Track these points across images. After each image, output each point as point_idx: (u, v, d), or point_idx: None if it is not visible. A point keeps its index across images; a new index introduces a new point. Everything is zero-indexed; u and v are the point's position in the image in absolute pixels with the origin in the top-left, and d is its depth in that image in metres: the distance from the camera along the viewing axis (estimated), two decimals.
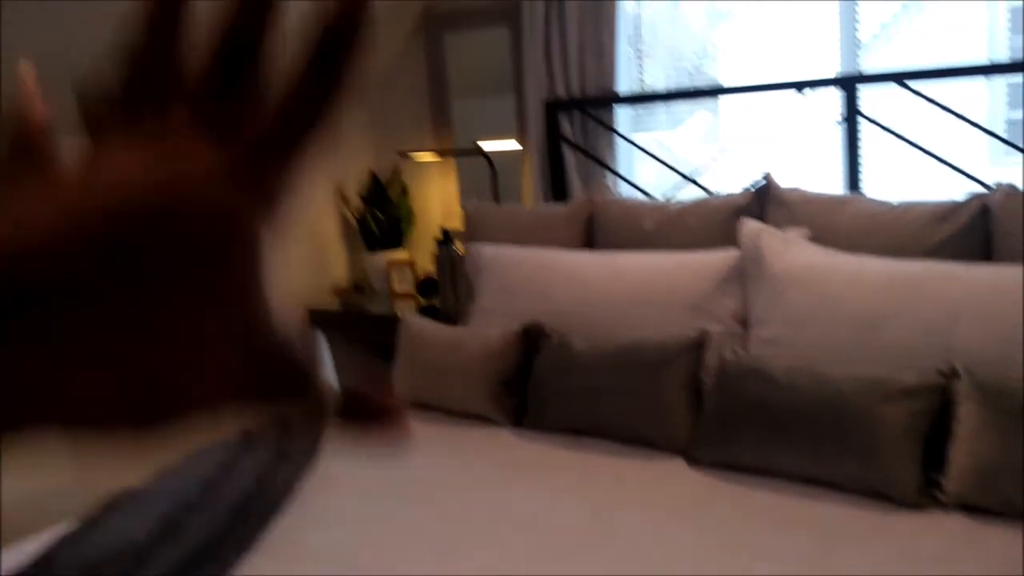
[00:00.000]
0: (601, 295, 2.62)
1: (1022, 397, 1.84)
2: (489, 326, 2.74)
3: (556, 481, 2.17)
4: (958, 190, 2.41)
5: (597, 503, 2.02)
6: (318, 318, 3.65)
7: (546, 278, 2.75)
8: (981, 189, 2.40)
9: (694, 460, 2.20)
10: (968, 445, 1.87)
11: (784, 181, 2.66)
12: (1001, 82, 2.77)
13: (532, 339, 2.62)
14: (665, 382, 2.31)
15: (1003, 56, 2.75)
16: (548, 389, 2.49)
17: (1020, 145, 2.56)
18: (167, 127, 0.27)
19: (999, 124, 2.76)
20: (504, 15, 3.38)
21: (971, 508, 1.85)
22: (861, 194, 2.69)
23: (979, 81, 2.75)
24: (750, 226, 2.48)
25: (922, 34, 2.80)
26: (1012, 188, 2.30)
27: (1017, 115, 2.78)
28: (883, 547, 1.74)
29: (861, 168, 2.79)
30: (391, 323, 3.04)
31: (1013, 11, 2.74)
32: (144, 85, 0.28)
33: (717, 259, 2.52)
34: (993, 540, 1.73)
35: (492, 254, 2.91)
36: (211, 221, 0.27)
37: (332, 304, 3.66)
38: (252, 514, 2.30)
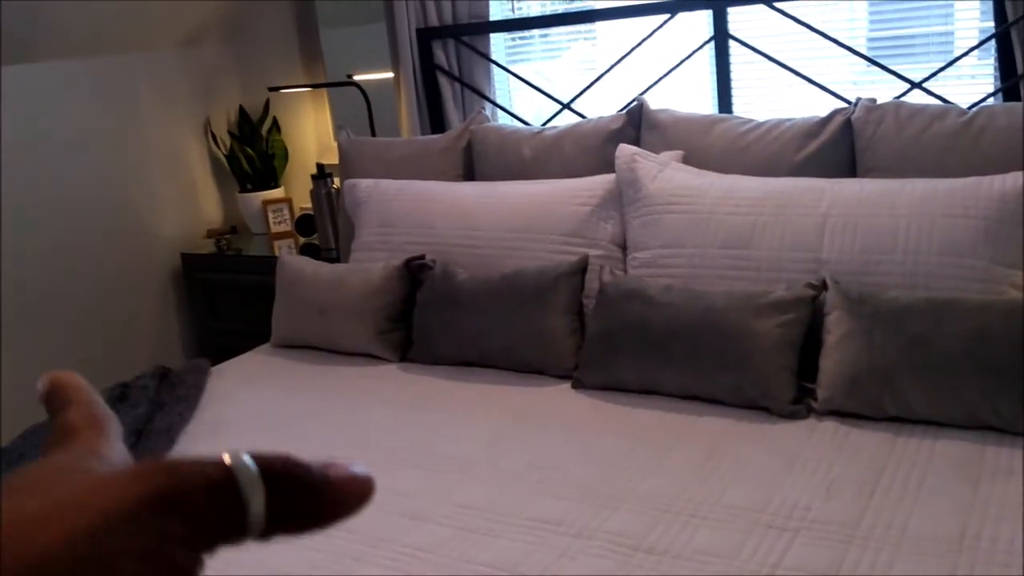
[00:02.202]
0: (482, 225, 2.60)
1: (885, 304, 1.92)
2: (370, 262, 2.69)
3: (444, 413, 2.17)
4: (824, 107, 2.48)
5: (486, 433, 2.03)
6: (193, 262, 3.52)
7: (426, 210, 2.71)
8: (844, 105, 2.47)
9: (580, 384, 2.23)
10: (836, 353, 1.95)
11: (659, 104, 2.68)
12: (862, 2, 2.84)
13: (415, 272, 2.59)
14: (548, 308, 2.32)
15: None
16: (433, 322, 2.47)
17: (881, 62, 2.64)
18: None
19: (861, 42, 2.83)
20: None
21: (842, 414, 1.93)
22: (731, 114, 2.74)
23: (842, 1, 2.81)
24: (625, 150, 2.49)
25: None
26: (872, 103, 2.37)
27: (877, 33, 2.85)
28: (763, 457, 1.80)
29: (732, 89, 2.83)
30: (270, 264, 2.96)
31: None
32: None
33: (594, 185, 2.53)
34: (862, 442, 1.82)
35: (370, 188, 2.85)
36: None
37: (206, 247, 3.53)
38: None
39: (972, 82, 2.67)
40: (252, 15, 3.64)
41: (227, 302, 3.47)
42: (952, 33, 2.76)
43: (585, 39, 3.33)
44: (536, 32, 3.33)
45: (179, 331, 3.61)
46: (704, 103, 2.94)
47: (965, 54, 2.57)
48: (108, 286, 3.35)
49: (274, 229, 3.52)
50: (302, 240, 3.46)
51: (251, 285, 3.31)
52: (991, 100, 2.48)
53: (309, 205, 3.40)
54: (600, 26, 3.23)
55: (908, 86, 2.58)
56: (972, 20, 2.69)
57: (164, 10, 3.35)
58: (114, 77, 3.34)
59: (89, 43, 3.20)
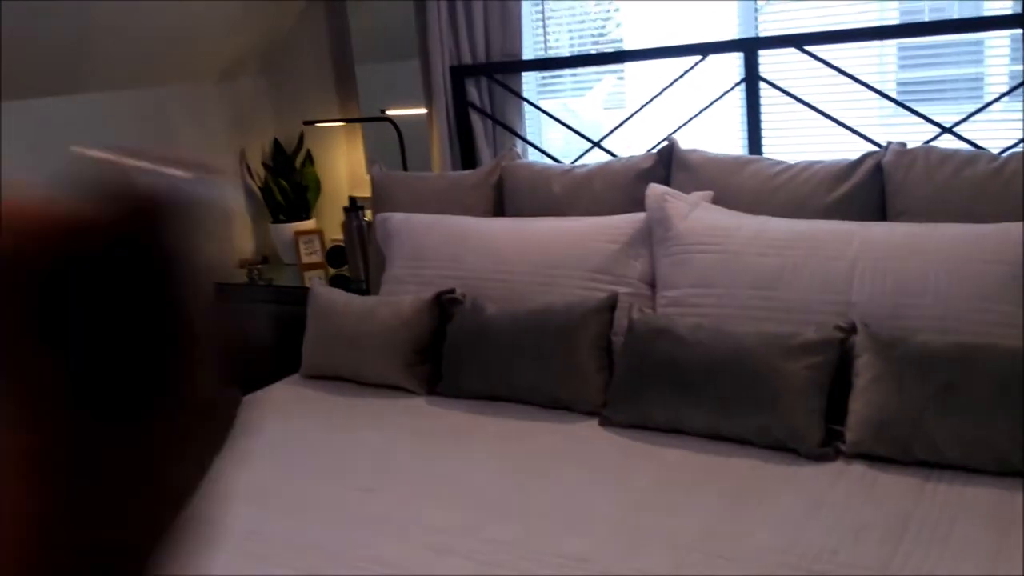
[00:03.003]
0: (512, 261, 2.63)
1: (915, 348, 1.93)
2: (400, 294, 2.73)
3: (472, 448, 2.18)
4: (854, 150, 2.49)
5: (513, 468, 2.04)
6: (224, 291, 3.57)
7: (456, 245, 2.74)
8: (875, 148, 2.48)
9: (607, 421, 2.24)
10: (866, 396, 1.95)
11: (687, 144, 2.70)
12: (892, 44, 2.86)
13: (444, 306, 2.62)
14: (576, 345, 2.33)
15: (893, 19, 2.84)
16: (461, 356, 2.49)
17: (910, 105, 2.66)
18: None
19: (890, 85, 2.85)
20: None
21: (870, 457, 1.93)
22: (761, 156, 2.76)
23: (871, 44, 2.84)
24: (655, 190, 2.51)
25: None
26: (902, 146, 2.39)
27: (906, 76, 2.87)
28: (790, 499, 1.80)
29: (762, 130, 2.85)
30: (300, 294, 3.00)
31: None
32: None
33: (624, 223, 2.55)
34: (891, 486, 1.82)
35: (401, 222, 2.89)
36: None
37: (238, 276, 3.58)
38: None
39: (1002, 126, 2.68)
40: (288, 50, 3.71)
41: (257, 331, 3.51)
42: (982, 76, 2.77)
43: (613, 74, 3.38)
44: (566, 68, 3.38)
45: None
46: (734, 144, 2.96)
47: (996, 100, 2.58)
48: None
49: (305, 260, 3.57)
50: (332, 271, 3.50)
51: (281, 315, 3.34)
52: (1022, 146, 2.49)
53: (340, 237, 3.45)
54: (628, 63, 3.27)
55: (938, 130, 2.59)
56: (1002, 64, 2.70)
57: (203, 44, 3.42)
58: (153, 109, 3.42)
59: (129, 75, 3.28)
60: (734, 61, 2.86)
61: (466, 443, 2.21)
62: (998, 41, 2.69)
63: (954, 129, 2.57)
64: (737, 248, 2.30)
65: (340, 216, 3.40)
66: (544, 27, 3.34)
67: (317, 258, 3.58)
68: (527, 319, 2.42)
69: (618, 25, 3.28)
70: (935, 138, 2.56)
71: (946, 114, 2.62)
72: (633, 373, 2.21)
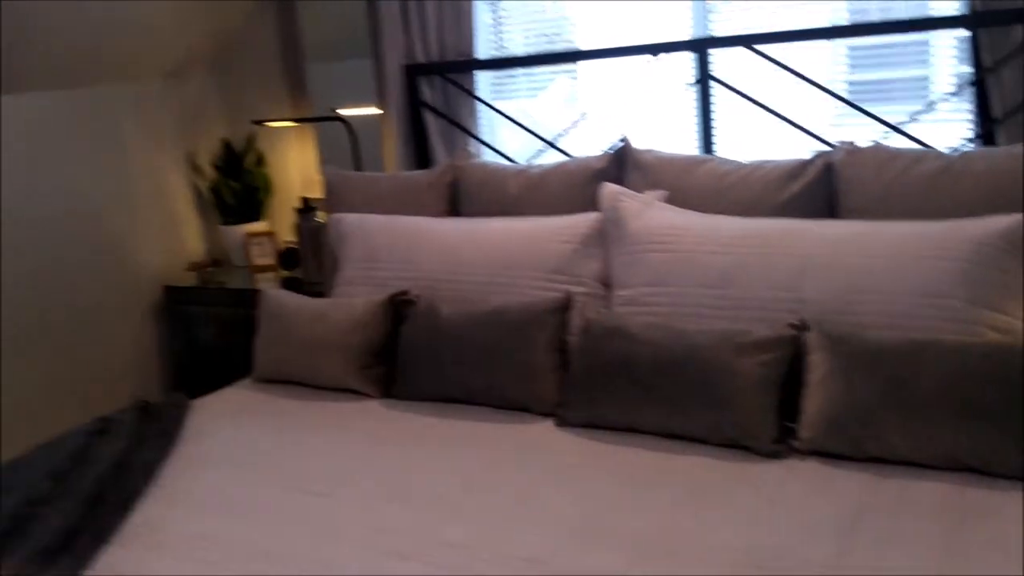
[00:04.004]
0: (466, 261, 2.61)
1: (865, 344, 1.94)
2: (354, 296, 2.70)
3: (427, 450, 2.16)
4: (805, 149, 2.51)
5: (468, 470, 2.02)
6: (175, 295, 3.51)
7: (411, 246, 2.72)
8: (826, 148, 2.51)
9: (563, 421, 2.23)
10: (818, 393, 1.96)
11: (641, 143, 2.71)
12: (842, 45, 2.89)
13: (398, 307, 2.60)
14: (532, 345, 2.32)
15: (842, 20, 2.88)
16: (416, 357, 2.47)
17: (860, 105, 2.69)
18: None
19: (842, 86, 2.88)
20: None
21: (823, 454, 1.94)
22: (714, 155, 2.78)
23: (823, 44, 2.87)
24: (609, 189, 2.51)
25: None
26: (853, 146, 2.41)
27: (857, 76, 2.91)
28: (744, 496, 1.81)
29: (714, 130, 2.87)
30: (251, 297, 2.96)
31: None
32: None
33: (579, 223, 2.55)
34: (843, 483, 1.83)
35: (355, 223, 2.86)
36: None
37: (188, 279, 3.53)
38: (109, 502, 2.18)
39: (949, 126, 2.72)
40: (238, 48, 3.66)
41: (208, 335, 3.45)
42: (929, 77, 2.81)
43: (567, 74, 3.38)
44: (520, 69, 3.37)
45: (159, 363, 3.58)
46: (687, 143, 2.98)
47: (942, 99, 2.62)
48: (89, 317, 3.33)
49: (256, 262, 3.52)
50: (284, 273, 3.46)
51: (232, 318, 3.30)
52: (968, 144, 2.53)
53: (292, 238, 3.40)
54: (581, 63, 3.27)
55: (887, 129, 2.62)
56: (949, 65, 2.75)
57: (149, 42, 3.36)
58: (98, 108, 3.35)
59: (73, 74, 3.21)
60: (687, 60, 2.87)
61: (421, 446, 2.19)
62: (945, 42, 2.73)
63: (903, 128, 2.60)
64: (690, 247, 2.31)
65: (292, 217, 3.36)
66: (498, 28, 3.33)
67: (269, 260, 3.53)
68: (482, 320, 2.40)
69: (573, 25, 3.28)
70: (884, 137, 2.59)
71: (895, 114, 2.65)
72: (588, 373, 2.20)
